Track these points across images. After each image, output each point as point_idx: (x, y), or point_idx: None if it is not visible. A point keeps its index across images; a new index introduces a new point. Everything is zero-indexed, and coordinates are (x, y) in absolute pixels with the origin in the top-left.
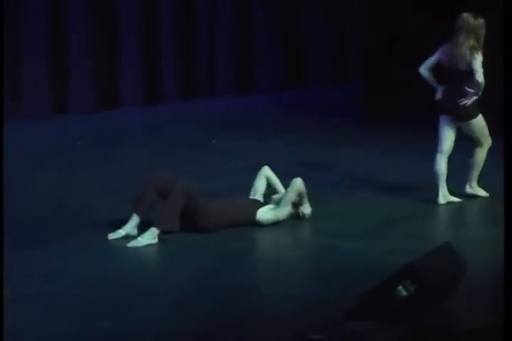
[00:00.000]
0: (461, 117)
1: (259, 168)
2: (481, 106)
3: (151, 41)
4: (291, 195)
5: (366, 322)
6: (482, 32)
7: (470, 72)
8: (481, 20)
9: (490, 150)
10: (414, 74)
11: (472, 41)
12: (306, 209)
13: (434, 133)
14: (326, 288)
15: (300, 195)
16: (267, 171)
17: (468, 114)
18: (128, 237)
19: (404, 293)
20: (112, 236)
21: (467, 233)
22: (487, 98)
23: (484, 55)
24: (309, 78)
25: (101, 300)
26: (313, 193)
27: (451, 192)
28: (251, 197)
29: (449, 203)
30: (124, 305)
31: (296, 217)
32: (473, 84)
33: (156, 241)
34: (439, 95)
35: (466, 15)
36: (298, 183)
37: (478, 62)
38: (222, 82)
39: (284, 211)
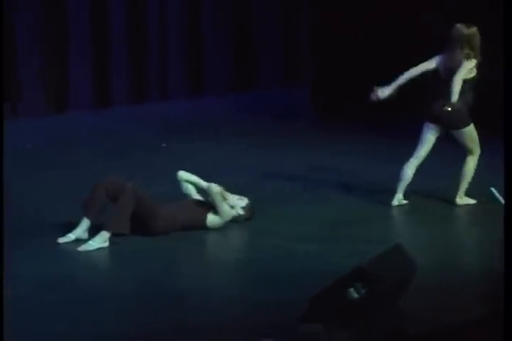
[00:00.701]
0: (452, 125)
1: (211, 170)
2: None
3: (102, 43)
4: (218, 201)
5: (318, 325)
6: (476, 40)
7: (463, 82)
8: (473, 29)
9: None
10: (365, 75)
11: (467, 51)
12: (239, 202)
13: (386, 134)
14: (278, 290)
15: (222, 196)
16: (183, 176)
17: (461, 122)
18: (79, 241)
19: (355, 295)
20: (62, 240)
21: (419, 235)
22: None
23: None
24: (261, 80)
25: (52, 304)
26: (265, 195)
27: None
28: (188, 199)
29: (401, 205)
30: (75, 309)
31: (247, 218)
32: (465, 94)
33: (107, 244)
34: (379, 94)
35: (459, 25)
36: (213, 191)
37: (465, 66)
38: (174, 84)
39: (228, 215)
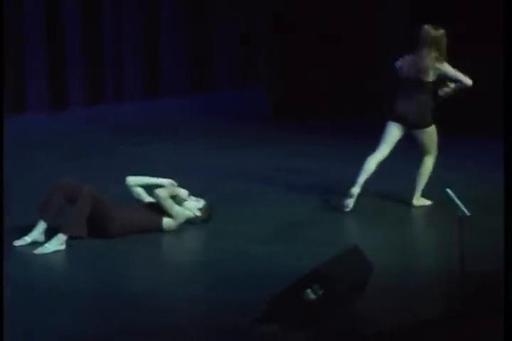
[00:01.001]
0: (415, 125)
1: (169, 172)
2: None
3: (57, 44)
4: (168, 205)
5: (275, 326)
6: (444, 42)
7: (429, 84)
8: (441, 31)
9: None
10: (322, 76)
11: (434, 53)
12: (195, 204)
13: (344, 135)
14: (235, 292)
15: (173, 197)
16: (131, 182)
17: (424, 122)
18: (35, 244)
19: (312, 296)
20: (17, 243)
21: (376, 236)
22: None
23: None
24: (218, 81)
25: (8, 307)
26: (222, 196)
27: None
28: (143, 202)
29: (357, 207)
30: (31, 311)
31: (205, 220)
32: (429, 95)
33: (63, 247)
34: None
35: (427, 27)
36: (161, 197)
37: (451, 69)
38: (130, 85)
39: (182, 216)
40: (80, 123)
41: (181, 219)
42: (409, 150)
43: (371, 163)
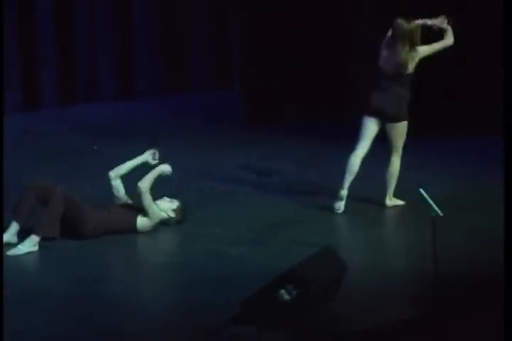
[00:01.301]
0: (390, 118)
1: (143, 173)
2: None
3: (29, 45)
4: (147, 198)
5: (249, 327)
6: (417, 35)
7: (406, 77)
8: (414, 24)
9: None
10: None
11: (409, 47)
12: (169, 205)
13: (319, 136)
14: (211, 293)
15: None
16: (113, 174)
17: (399, 116)
18: (8, 245)
19: (287, 297)
20: None
21: (350, 237)
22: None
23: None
24: (192, 81)
25: None
26: (196, 197)
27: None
28: (118, 203)
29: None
30: (5, 313)
31: (179, 221)
32: (405, 88)
33: (36, 248)
34: None
35: (399, 21)
36: (142, 187)
37: (426, 48)
38: (104, 86)
39: (157, 216)
40: (53, 123)
41: (156, 220)
42: (383, 151)
43: (354, 164)
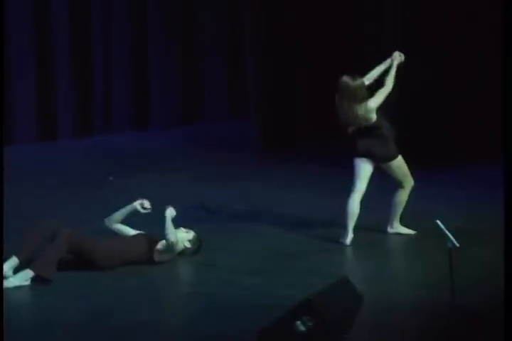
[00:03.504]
0: (382, 159)
1: (158, 204)
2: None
3: (46, 76)
4: (178, 247)
5: None
6: (363, 91)
7: (374, 124)
8: (359, 81)
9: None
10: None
11: (354, 105)
12: (185, 236)
13: (335, 166)
14: (225, 323)
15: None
16: (108, 222)
17: (389, 155)
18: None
19: (302, 328)
20: None
21: (362, 267)
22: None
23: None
24: (207, 112)
25: None
26: (210, 228)
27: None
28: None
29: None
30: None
31: (195, 251)
32: (383, 129)
33: (28, 283)
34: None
35: (344, 78)
36: (172, 241)
37: (376, 100)
38: (119, 116)
39: (176, 249)
40: (68, 154)
41: (175, 251)
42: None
43: (354, 208)
